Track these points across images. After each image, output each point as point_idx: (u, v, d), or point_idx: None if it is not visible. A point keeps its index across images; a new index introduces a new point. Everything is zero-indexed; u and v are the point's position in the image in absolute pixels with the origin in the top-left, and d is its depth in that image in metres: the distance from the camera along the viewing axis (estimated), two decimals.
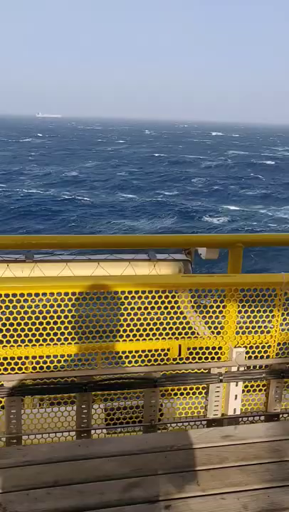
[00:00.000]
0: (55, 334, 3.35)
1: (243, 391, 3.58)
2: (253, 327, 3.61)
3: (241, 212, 52.36)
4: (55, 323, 3.32)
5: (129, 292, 3.35)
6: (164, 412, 3.57)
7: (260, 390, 3.71)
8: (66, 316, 3.34)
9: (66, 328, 3.36)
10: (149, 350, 3.49)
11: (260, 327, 3.62)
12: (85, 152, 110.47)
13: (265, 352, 3.68)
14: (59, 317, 3.33)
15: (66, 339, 3.37)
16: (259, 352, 3.66)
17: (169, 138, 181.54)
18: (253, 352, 3.66)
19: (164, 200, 58.37)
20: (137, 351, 3.48)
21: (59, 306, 3.31)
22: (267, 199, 60.91)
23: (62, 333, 3.37)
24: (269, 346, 3.68)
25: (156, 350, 3.50)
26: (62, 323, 3.35)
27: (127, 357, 3.49)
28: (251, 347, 3.65)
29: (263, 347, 3.67)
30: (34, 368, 3.35)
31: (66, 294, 3.29)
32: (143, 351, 3.48)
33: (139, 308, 3.37)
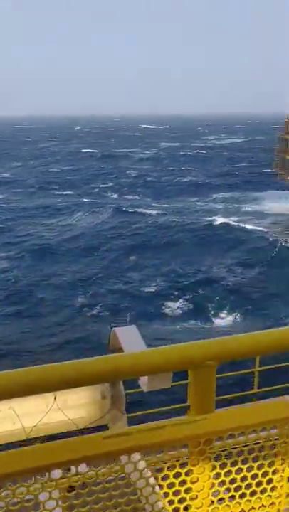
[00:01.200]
0: None
1: None
2: (242, 495, 2.18)
3: (174, 204, 52.20)
4: None
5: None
6: None
7: None
8: None
9: None
10: None
11: (253, 493, 2.20)
12: (15, 152, 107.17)
13: None
14: None
15: None
16: None
17: (101, 133, 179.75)
18: None
19: (99, 194, 57.44)
20: None
21: None
22: (199, 189, 61.08)
23: None
24: None
25: None
26: None
27: None
28: None
29: None
30: None
31: None
32: None
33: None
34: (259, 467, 2.15)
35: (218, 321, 23.65)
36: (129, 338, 4.10)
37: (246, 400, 6.82)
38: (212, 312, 24.29)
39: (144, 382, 3.19)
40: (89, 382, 2.01)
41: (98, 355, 1.91)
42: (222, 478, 2.12)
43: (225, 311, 24.37)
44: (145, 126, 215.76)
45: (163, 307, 24.96)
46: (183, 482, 2.03)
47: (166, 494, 2.05)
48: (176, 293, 26.39)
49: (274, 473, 2.21)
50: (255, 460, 2.14)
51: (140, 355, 2.01)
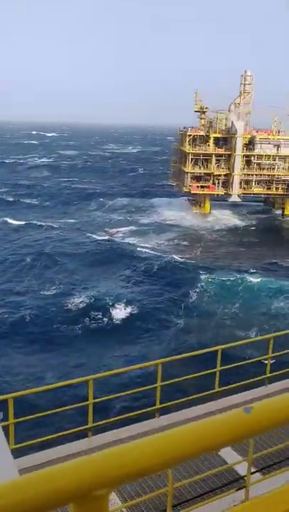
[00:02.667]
0: None
1: None
2: None
3: (72, 214, 51.61)
4: None
5: None
6: None
7: None
8: None
9: None
10: None
11: None
12: None
13: None
14: None
15: None
16: None
17: None
18: None
19: None
20: None
21: None
22: (96, 197, 60.74)
23: None
24: None
25: None
26: None
27: None
28: None
29: None
30: None
31: None
32: None
33: None
34: None
35: (115, 311, 24.95)
36: None
37: None
38: (110, 303, 25.54)
39: None
40: None
41: None
42: None
43: (122, 304, 25.68)
44: (43, 133, 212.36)
45: (65, 303, 25.65)
46: None
47: None
48: (76, 293, 27.08)
49: None
50: None
51: None
